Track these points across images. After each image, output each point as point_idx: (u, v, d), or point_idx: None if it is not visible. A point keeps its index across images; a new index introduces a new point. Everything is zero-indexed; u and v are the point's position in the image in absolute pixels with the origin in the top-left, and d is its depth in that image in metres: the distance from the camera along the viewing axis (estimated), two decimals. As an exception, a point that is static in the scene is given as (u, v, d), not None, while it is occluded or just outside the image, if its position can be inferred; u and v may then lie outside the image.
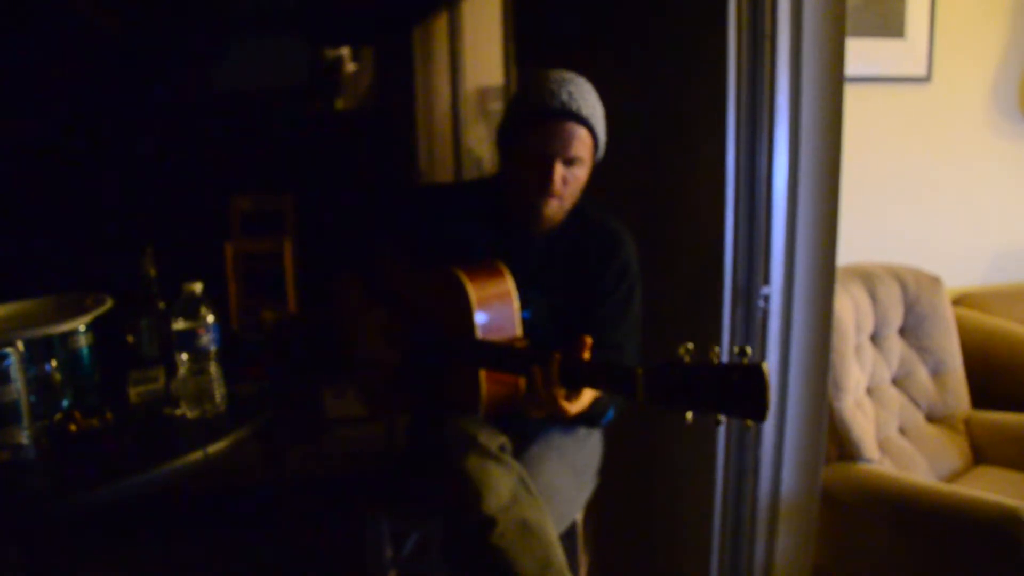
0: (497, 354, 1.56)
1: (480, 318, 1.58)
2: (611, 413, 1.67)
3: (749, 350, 1.17)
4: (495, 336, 1.60)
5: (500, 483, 1.49)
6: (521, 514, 1.47)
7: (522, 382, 1.58)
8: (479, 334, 1.59)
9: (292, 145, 5.55)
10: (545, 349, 1.44)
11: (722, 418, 1.21)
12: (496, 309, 1.61)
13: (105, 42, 5.09)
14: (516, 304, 1.63)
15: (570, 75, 1.63)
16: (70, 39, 4.89)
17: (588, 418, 1.56)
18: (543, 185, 1.61)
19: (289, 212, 4.85)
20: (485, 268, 1.65)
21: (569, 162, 1.61)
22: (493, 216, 1.76)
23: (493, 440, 1.57)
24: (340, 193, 5.06)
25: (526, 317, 1.67)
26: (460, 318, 1.60)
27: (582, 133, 1.60)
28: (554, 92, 1.58)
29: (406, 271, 1.80)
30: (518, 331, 1.63)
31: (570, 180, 1.63)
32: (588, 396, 1.45)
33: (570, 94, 1.58)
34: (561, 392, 1.40)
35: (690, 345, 1.23)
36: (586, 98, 1.61)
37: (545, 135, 1.59)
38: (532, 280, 1.70)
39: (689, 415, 1.22)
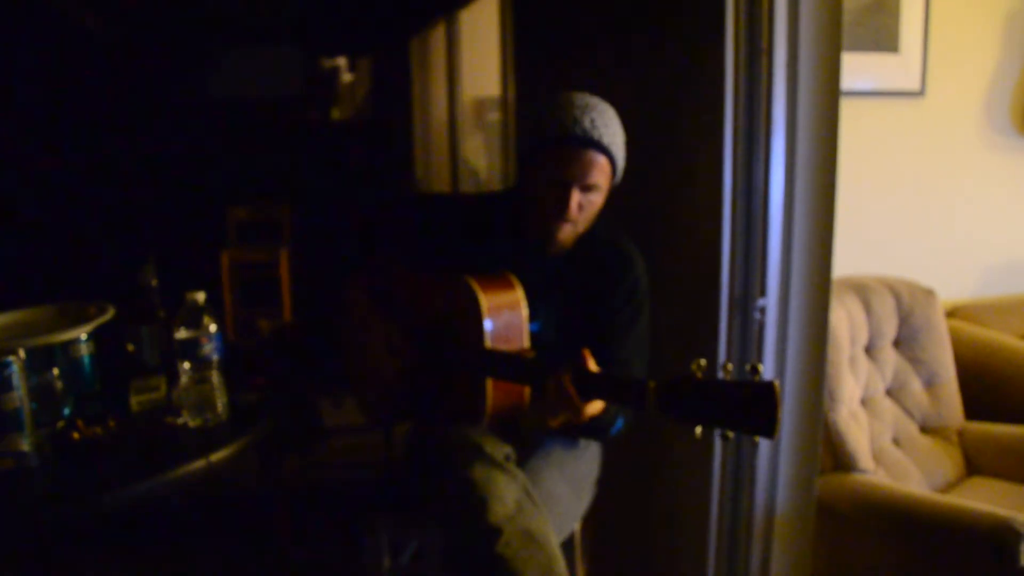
0: (505, 364, 1.57)
1: (489, 325, 1.59)
2: (620, 423, 1.68)
3: (760, 367, 1.19)
4: (502, 345, 1.61)
5: (506, 492, 1.50)
6: (526, 524, 1.48)
7: (527, 392, 1.59)
8: (487, 342, 1.59)
9: (288, 155, 5.56)
10: (555, 361, 1.45)
11: (731, 434, 1.22)
12: (505, 318, 1.62)
13: (103, 51, 5.10)
14: (525, 314, 1.64)
15: (594, 100, 1.64)
16: (68, 49, 4.89)
17: (598, 427, 1.58)
18: (559, 210, 1.62)
19: (285, 221, 4.86)
20: (496, 278, 1.66)
21: (587, 188, 1.62)
22: (507, 230, 1.77)
23: (499, 449, 1.58)
24: (336, 203, 5.07)
25: (534, 329, 1.68)
26: (469, 326, 1.60)
27: (602, 161, 1.61)
28: (577, 119, 1.58)
29: (414, 279, 1.81)
30: (526, 342, 1.64)
31: (586, 206, 1.64)
32: (599, 404, 1.45)
33: (592, 121, 1.58)
34: (576, 399, 1.40)
35: (702, 361, 1.25)
36: (608, 125, 1.61)
37: (564, 161, 1.59)
38: (542, 294, 1.71)
39: (698, 430, 1.24)
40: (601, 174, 1.62)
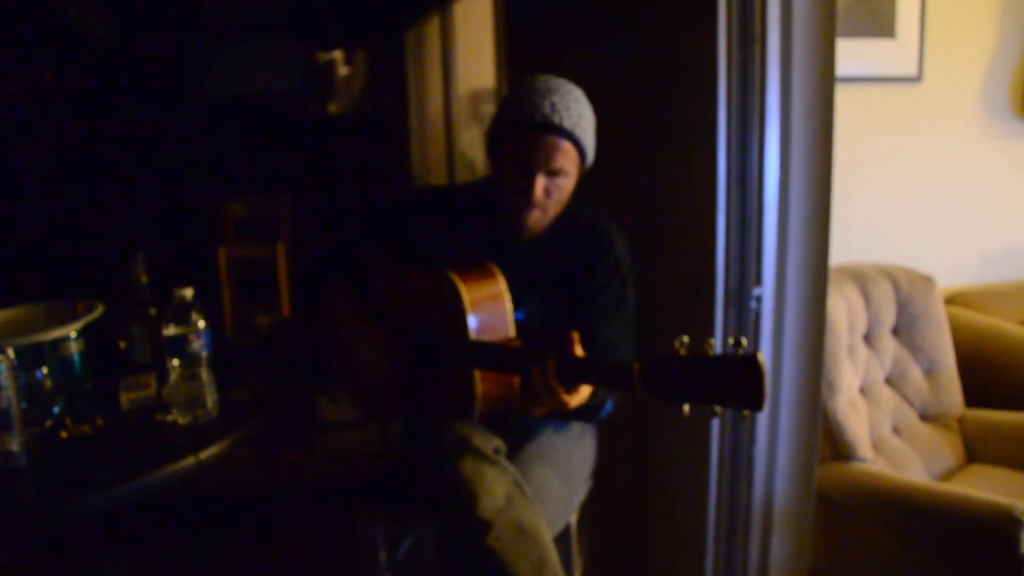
0: (491, 354, 1.56)
1: (473, 320, 1.59)
2: (609, 405, 1.68)
3: (744, 341, 1.18)
4: (488, 337, 1.60)
5: (495, 486, 1.49)
6: (516, 516, 1.47)
7: (516, 382, 1.58)
8: (472, 335, 1.59)
9: (285, 149, 5.54)
10: (540, 348, 1.44)
11: (719, 409, 1.21)
12: (489, 310, 1.61)
13: (96, 47, 5.08)
14: (508, 305, 1.64)
15: (557, 83, 1.61)
16: (60, 44, 4.87)
17: (587, 411, 1.56)
18: (524, 196, 1.61)
19: (283, 217, 4.84)
20: (477, 270, 1.65)
21: (552, 174, 1.60)
22: (484, 219, 1.76)
23: (487, 443, 1.57)
24: (334, 197, 5.06)
25: (519, 318, 1.67)
26: (453, 320, 1.60)
27: (565, 145, 1.59)
28: (537, 104, 1.56)
29: (398, 274, 1.80)
30: (511, 332, 1.64)
31: (553, 191, 1.62)
32: (586, 389, 1.44)
33: (553, 105, 1.56)
34: (560, 388, 1.40)
35: (685, 338, 1.24)
36: (571, 109, 1.59)
37: (526, 147, 1.58)
38: (524, 281, 1.70)
39: (686, 407, 1.23)
40: (566, 159, 1.60)
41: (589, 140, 1.64)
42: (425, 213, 1.82)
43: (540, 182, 1.59)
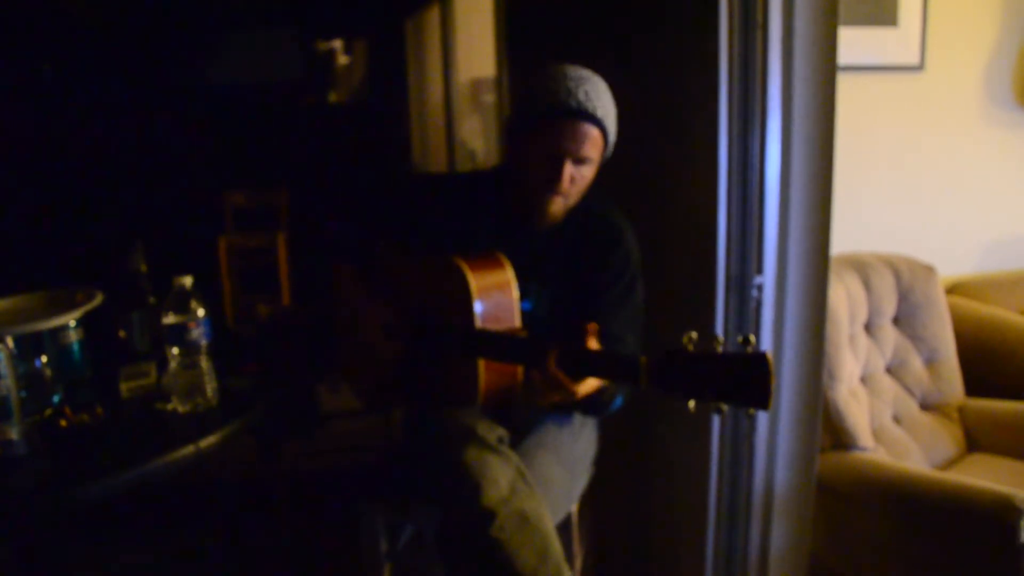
0: (496, 343, 1.55)
1: (479, 307, 1.58)
2: (620, 400, 1.67)
3: (753, 339, 1.17)
4: (494, 326, 1.59)
5: (499, 475, 1.49)
6: (520, 506, 1.47)
7: (520, 372, 1.58)
8: (478, 323, 1.58)
9: (285, 139, 5.53)
10: (546, 339, 1.43)
11: (724, 407, 1.20)
12: (495, 299, 1.60)
13: (96, 36, 5.06)
14: (515, 294, 1.62)
15: (587, 73, 1.62)
16: (59, 34, 4.86)
17: (597, 405, 1.56)
18: (551, 183, 1.61)
19: (283, 206, 4.83)
20: (485, 258, 1.64)
21: (579, 161, 1.60)
22: (494, 208, 1.75)
23: (491, 432, 1.57)
24: (334, 186, 5.05)
25: (526, 308, 1.66)
26: (459, 307, 1.59)
27: (595, 134, 1.59)
28: (571, 91, 1.56)
29: (404, 261, 1.80)
30: (517, 321, 1.63)
31: (578, 179, 1.63)
32: (593, 380, 1.43)
33: (587, 93, 1.57)
34: (565, 379, 1.39)
35: (693, 334, 1.23)
36: (601, 97, 1.60)
37: (559, 133, 1.58)
38: (533, 271, 1.69)
39: (692, 404, 1.22)
40: (594, 147, 1.60)
41: (614, 130, 1.65)
42: (435, 199, 1.81)
43: (568, 169, 1.59)
